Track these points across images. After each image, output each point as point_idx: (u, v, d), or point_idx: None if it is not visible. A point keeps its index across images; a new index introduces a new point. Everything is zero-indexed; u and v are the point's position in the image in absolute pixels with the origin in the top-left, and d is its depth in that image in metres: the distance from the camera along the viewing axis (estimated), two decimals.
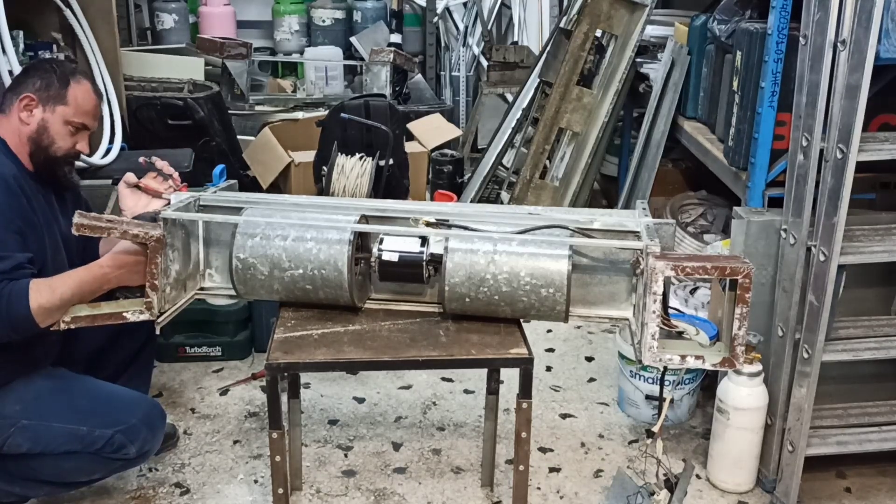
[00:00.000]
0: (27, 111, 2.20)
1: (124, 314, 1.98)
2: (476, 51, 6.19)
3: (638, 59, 3.97)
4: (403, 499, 2.57)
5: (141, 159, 2.36)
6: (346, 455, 2.77)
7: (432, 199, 4.39)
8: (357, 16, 6.67)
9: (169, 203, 2.19)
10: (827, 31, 2.14)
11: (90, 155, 3.64)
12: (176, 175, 2.35)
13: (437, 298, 2.15)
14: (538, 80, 4.38)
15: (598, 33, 3.95)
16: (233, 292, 2.18)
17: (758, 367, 2.47)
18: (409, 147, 4.16)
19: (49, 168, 2.25)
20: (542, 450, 2.80)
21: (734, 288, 1.85)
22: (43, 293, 2.00)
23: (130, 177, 2.31)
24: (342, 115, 3.47)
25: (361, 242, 2.16)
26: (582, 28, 3.89)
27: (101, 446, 2.17)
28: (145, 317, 1.97)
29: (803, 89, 2.25)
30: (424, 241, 2.11)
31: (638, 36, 3.85)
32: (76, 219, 1.94)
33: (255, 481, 2.62)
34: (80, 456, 2.18)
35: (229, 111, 4.74)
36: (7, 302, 1.99)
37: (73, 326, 2.00)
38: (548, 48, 4.35)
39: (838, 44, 2.13)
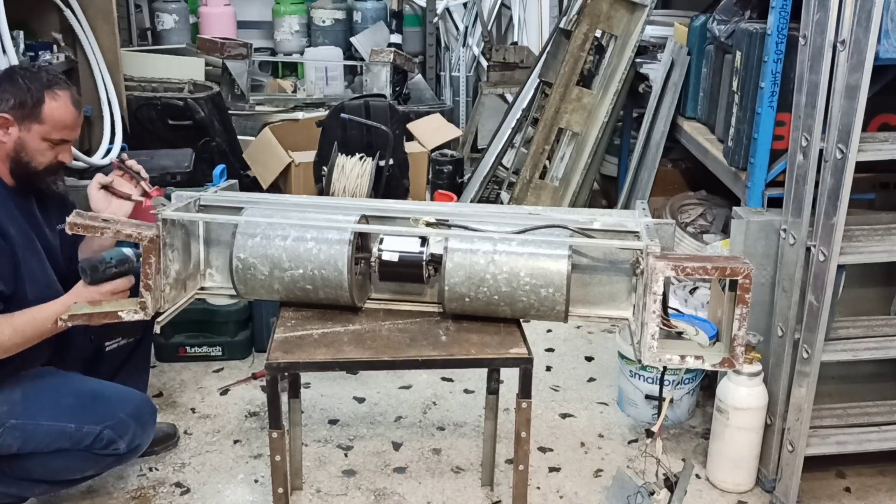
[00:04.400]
0: (2, 129, 2.17)
1: (119, 313, 1.99)
2: (476, 51, 6.20)
3: (638, 60, 3.97)
4: (403, 498, 2.57)
5: (114, 160, 2.35)
6: (346, 455, 2.77)
7: (432, 199, 4.39)
8: (357, 16, 6.68)
9: (140, 204, 2.20)
10: (827, 31, 2.14)
11: (90, 155, 3.65)
12: (145, 175, 2.35)
13: (437, 298, 2.15)
14: (538, 80, 4.38)
15: (598, 33, 3.95)
16: (233, 292, 2.18)
17: (757, 366, 2.47)
18: (409, 147, 4.17)
19: (31, 181, 2.24)
20: (542, 449, 2.81)
21: (734, 288, 1.85)
22: (5, 332, 2.06)
23: (101, 177, 2.31)
24: (342, 115, 3.49)
25: (361, 242, 2.16)
26: (582, 28, 3.89)
27: (90, 443, 2.17)
28: (140, 316, 1.98)
29: (803, 89, 2.25)
30: (424, 241, 2.11)
31: (638, 36, 3.85)
32: (71, 218, 1.95)
33: (256, 481, 2.62)
34: (70, 454, 2.18)
35: (229, 111, 4.75)
36: None
37: (70, 324, 2.01)
38: (548, 48, 4.35)
39: (838, 44, 2.13)
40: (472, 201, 4.48)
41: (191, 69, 4.93)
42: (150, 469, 2.66)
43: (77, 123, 2.27)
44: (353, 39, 6.55)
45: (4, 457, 2.18)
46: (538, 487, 2.62)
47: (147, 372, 2.70)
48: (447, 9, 6.31)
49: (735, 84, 2.75)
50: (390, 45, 6.24)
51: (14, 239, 2.16)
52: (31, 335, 2.10)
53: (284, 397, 2.36)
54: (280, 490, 2.05)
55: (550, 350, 3.47)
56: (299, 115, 5.08)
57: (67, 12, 3.95)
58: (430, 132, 4.65)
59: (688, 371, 2.84)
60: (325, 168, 3.41)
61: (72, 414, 2.18)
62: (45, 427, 2.16)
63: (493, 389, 2.52)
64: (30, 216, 2.24)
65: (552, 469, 2.72)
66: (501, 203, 4.44)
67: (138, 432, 2.24)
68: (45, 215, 2.31)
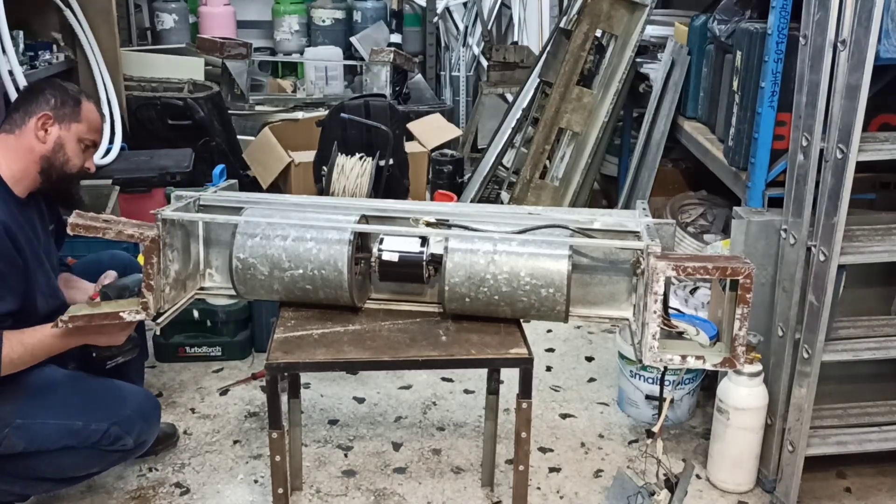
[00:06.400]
0: (43, 130, 2.23)
1: (121, 314, 1.99)
2: (476, 51, 6.20)
3: (638, 59, 3.97)
4: (403, 499, 2.57)
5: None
6: (346, 455, 2.77)
7: (432, 199, 4.39)
8: (357, 16, 6.68)
9: None
10: (827, 31, 2.14)
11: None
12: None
13: (437, 298, 2.15)
14: (538, 80, 4.38)
15: (598, 33, 3.95)
16: (233, 292, 2.18)
17: (758, 367, 2.47)
18: (409, 147, 4.16)
19: (62, 187, 2.29)
20: (542, 450, 2.81)
21: (735, 288, 1.85)
22: (16, 349, 2.07)
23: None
24: (342, 115, 3.48)
25: (361, 242, 2.16)
26: (582, 28, 3.89)
27: (97, 440, 2.17)
28: (141, 317, 1.98)
29: (803, 89, 2.25)
30: (424, 241, 2.11)
31: (638, 36, 3.85)
32: (72, 219, 1.95)
33: (255, 481, 2.62)
34: (77, 451, 2.18)
35: (229, 111, 4.75)
36: None
37: (70, 325, 2.00)
38: (548, 48, 4.35)
39: (838, 44, 2.13)
40: (472, 201, 4.48)
41: (190, 69, 4.93)
42: (150, 469, 2.66)
43: (102, 130, 2.40)
44: (353, 39, 6.55)
45: (10, 456, 2.18)
46: (538, 488, 2.62)
47: (143, 368, 2.71)
48: (447, 8, 6.31)
49: (735, 84, 2.75)
50: (390, 44, 6.24)
51: (26, 253, 2.17)
52: (40, 353, 2.12)
53: (284, 397, 2.36)
54: (280, 490, 2.05)
55: (551, 350, 3.47)
56: (299, 114, 5.08)
57: (67, 12, 3.95)
58: (430, 132, 4.65)
59: (688, 371, 2.84)
60: (324, 168, 3.41)
61: (78, 412, 2.19)
62: (52, 425, 2.17)
63: (493, 390, 2.51)
64: (32, 226, 2.26)
65: (552, 469, 2.72)
66: (501, 203, 4.44)
67: (144, 428, 2.26)
68: (41, 220, 2.32)
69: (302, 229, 2.09)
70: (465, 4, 6.28)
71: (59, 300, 2.31)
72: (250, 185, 4.25)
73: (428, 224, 2.11)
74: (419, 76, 5.80)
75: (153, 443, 2.61)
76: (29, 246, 2.20)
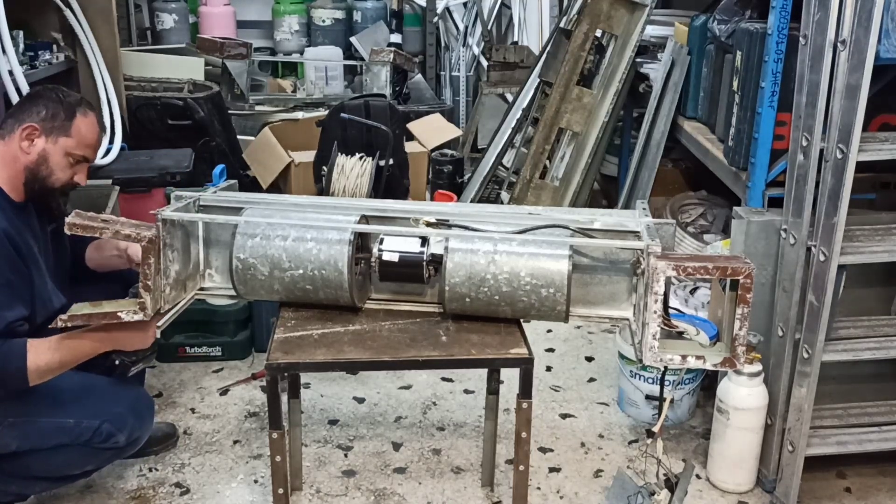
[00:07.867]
0: (28, 140, 2.19)
1: (119, 314, 1.98)
2: (476, 51, 6.19)
3: (638, 59, 3.97)
4: (403, 499, 2.57)
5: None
6: (346, 455, 2.77)
7: (432, 199, 4.39)
8: (357, 16, 6.67)
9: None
10: (827, 31, 2.14)
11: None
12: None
13: (438, 298, 2.15)
14: (538, 80, 4.38)
15: (598, 33, 3.95)
16: (233, 292, 2.18)
17: (758, 367, 2.47)
18: (409, 147, 4.16)
19: (43, 199, 2.26)
20: (542, 450, 2.80)
21: (735, 288, 1.85)
22: (42, 355, 2.05)
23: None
24: (342, 115, 3.47)
25: (361, 242, 2.16)
26: (582, 28, 3.89)
27: (89, 437, 2.18)
28: (139, 317, 1.98)
29: (803, 89, 2.25)
30: (424, 241, 2.11)
31: (638, 36, 3.85)
32: (70, 218, 1.94)
33: (255, 481, 2.62)
34: (70, 449, 2.19)
35: (229, 111, 4.74)
36: (3, 360, 2.02)
37: (69, 325, 2.00)
38: (548, 48, 4.35)
39: (838, 44, 2.13)
40: (472, 201, 4.48)
41: (190, 69, 4.92)
42: (150, 469, 2.66)
43: (98, 145, 2.36)
44: (353, 39, 6.55)
45: (4, 455, 2.18)
46: (538, 488, 2.62)
47: (142, 380, 2.70)
48: (447, 8, 6.31)
49: (735, 84, 2.75)
50: (390, 44, 6.23)
51: (26, 258, 2.17)
52: (69, 359, 2.09)
53: (284, 397, 2.36)
54: (280, 490, 2.06)
55: (551, 350, 3.47)
56: (299, 114, 5.07)
57: (67, 12, 3.94)
58: (430, 132, 4.64)
59: (688, 371, 2.84)
60: (325, 168, 3.40)
61: (70, 409, 2.19)
62: (44, 423, 2.17)
63: (493, 390, 2.51)
64: (31, 231, 2.25)
65: (552, 469, 2.72)
66: (501, 203, 4.44)
67: (137, 425, 2.25)
68: (40, 223, 2.31)
69: (302, 229, 2.09)
70: (465, 4, 6.28)
71: (57, 304, 2.30)
72: (250, 185, 4.24)
73: (428, 224, 2.11)
74: (419, 76, 5.79)
75: (153, 443, 2.62)
76: (28, 250, 2.19)
